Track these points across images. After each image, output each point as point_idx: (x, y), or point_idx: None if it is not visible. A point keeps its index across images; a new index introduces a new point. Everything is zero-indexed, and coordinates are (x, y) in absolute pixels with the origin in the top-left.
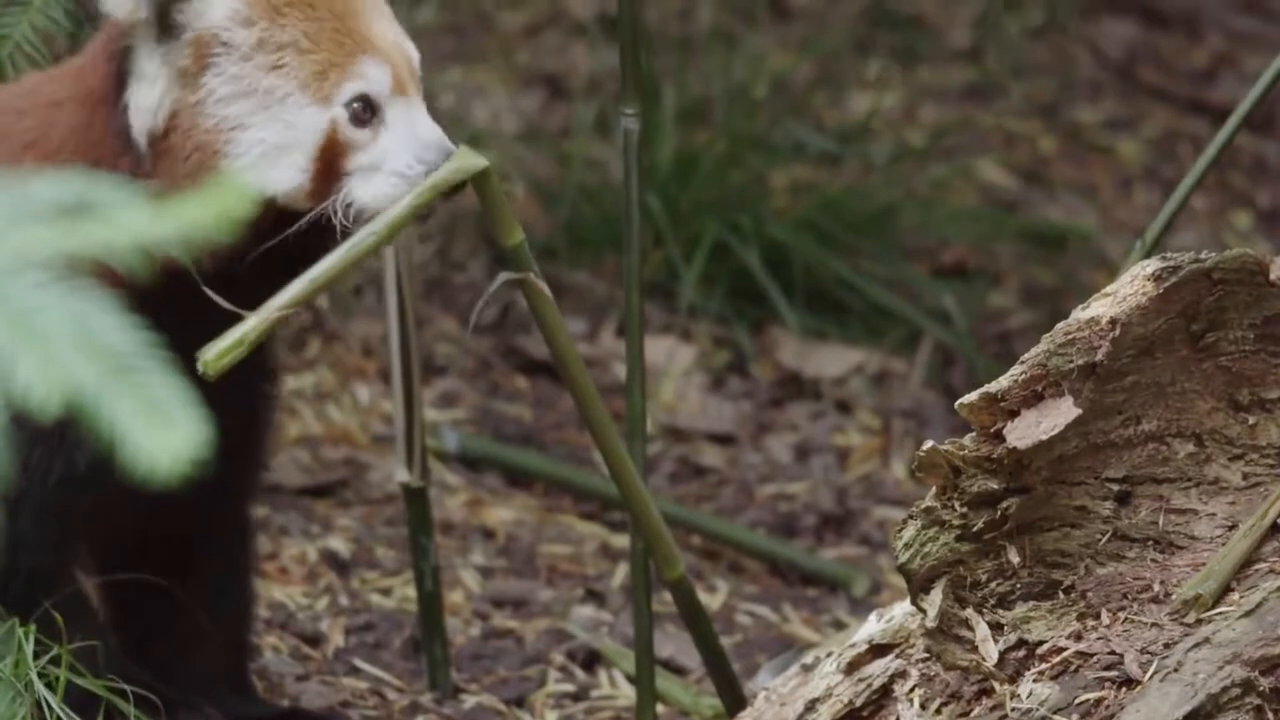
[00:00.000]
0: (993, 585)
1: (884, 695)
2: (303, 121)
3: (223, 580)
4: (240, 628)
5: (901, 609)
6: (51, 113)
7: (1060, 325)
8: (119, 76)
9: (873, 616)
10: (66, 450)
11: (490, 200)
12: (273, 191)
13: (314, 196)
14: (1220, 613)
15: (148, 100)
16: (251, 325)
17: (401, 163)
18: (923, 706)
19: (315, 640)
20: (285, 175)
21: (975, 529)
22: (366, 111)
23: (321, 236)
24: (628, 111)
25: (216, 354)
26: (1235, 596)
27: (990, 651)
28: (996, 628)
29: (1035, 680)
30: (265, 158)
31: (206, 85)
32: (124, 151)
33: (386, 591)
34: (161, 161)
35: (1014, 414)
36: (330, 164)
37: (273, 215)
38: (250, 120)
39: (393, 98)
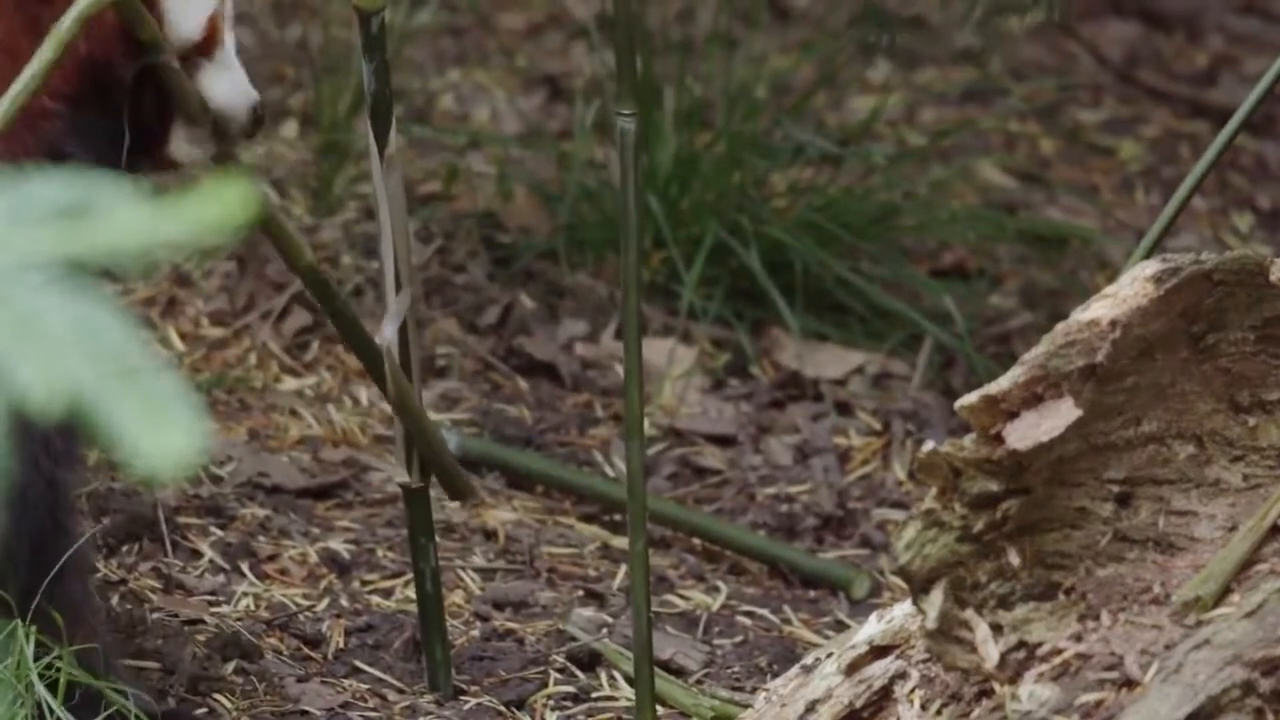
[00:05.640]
0: (993, 586)
1: (884, 696)
2: None
3: None
4: None
5: (902, 610)
6: None
7: (1060, 326)
8: None
9: (873, 617)
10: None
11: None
12: (179, 32)
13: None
14: (1221, 614)
15: None
16: None
17: (242, 82)
18: (923, 707)
19: (315, 642)
20: (190, 24)
21: (975, 530)
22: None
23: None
24: (623, 112)
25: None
26: (1236, 598)
27: (990, 653)
28: (997, 629)
29: (1035, 681)
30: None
31: None
32: None
33: (387, 593)
34: None
35: (1014, 415)
36: (210, 39)
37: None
38: None
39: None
